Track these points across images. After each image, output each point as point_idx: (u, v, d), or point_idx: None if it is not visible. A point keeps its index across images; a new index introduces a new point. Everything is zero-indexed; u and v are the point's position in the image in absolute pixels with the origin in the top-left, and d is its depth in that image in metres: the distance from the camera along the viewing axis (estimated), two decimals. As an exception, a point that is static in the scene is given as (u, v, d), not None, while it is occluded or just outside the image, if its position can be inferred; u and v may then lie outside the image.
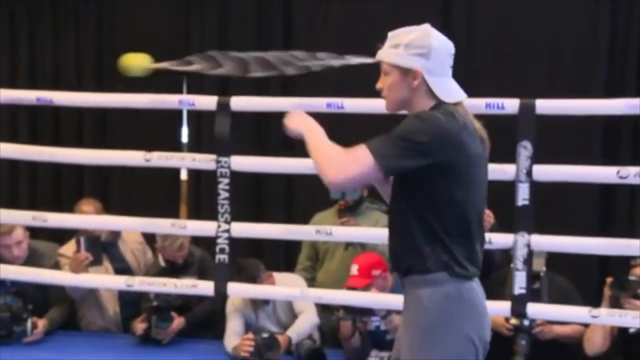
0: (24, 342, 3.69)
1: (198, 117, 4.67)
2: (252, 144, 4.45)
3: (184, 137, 4.82)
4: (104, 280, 3.71)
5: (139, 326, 3.71)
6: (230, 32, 4.73)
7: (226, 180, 3.31)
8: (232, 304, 3.67)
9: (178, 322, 3.71)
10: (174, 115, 4.72)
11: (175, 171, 4.74)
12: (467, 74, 4.36)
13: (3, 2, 5.01)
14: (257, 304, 3.64)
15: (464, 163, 2.06)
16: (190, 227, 3.50)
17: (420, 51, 2.11)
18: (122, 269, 3.91)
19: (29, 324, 3.70)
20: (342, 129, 4.31)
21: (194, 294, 3.51)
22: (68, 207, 4.14)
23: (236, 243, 3.35)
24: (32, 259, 3.81)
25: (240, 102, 3.37)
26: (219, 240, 3.32)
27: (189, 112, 4.73)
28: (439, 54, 2.12)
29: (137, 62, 2.52)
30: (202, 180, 4.61)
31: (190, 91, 4.67)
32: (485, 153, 2.16)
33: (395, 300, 3.27)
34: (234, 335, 3.59)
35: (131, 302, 3.91)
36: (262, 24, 4.68)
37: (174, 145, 4.62)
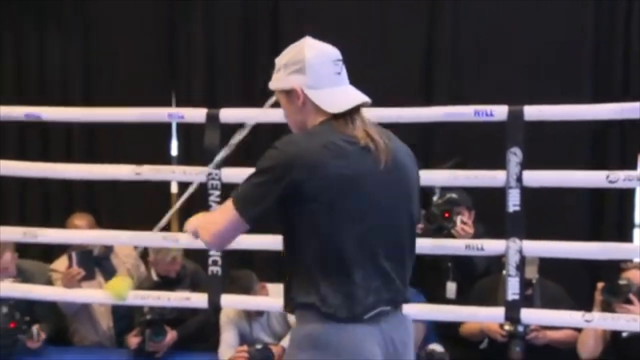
0: (30, 347, 3.69)
1: (187, 130, 4.66)
2: (242, 155, 4.44)
3: (174, 150, 4.81)
4: (97, 295, 3.68)
5: (133, 340, 3.70)
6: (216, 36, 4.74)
7: (217, 192, 3.31)
8: (226, 316, 3.66)
9: (172, 335, 3.70)
10: (163, 129, 4.71)
11: (166, 184, 4.73)
12: (455, 82, 4.40)
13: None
14: (251, 315, 3.63)
15: (329, 188, 1.83)
16: (182, 240, 3.48)
17: (295, 68, 1.98)
18: None
19: (34, 329, 3.69)
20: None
21: (188, 307, 3.49)
22: (58, 222, 4.13)
23: (228, 255, 3.34)
24: (22, 280, 3.77)
25: (229, 114, 3.37)
26: (211, 253, 3.30)
27: (178, 125, 4.72)
28: (315, 65, 1.96)
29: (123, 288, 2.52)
30: (193, 193, 4.59)
31: (179, 104, 4.68)
32: (379, 168, 1.88)
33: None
34: (228, 347, 3.58)
35: (124, 316, 3.90)
36: (248, 26, 4.69)
37: (164, 159, 4.62)
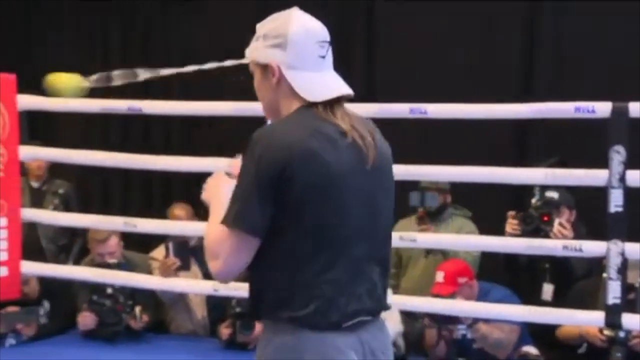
0: (134, 327, 3.84)
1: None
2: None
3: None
4: (192, 285, 3.78)
5: (225, 331, 3.77)
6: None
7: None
8: None
9: (260, 327, 3.74)
10: (259, 122, 4.77)
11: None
12: (555, 76, 4.26)
13: (97, 14, 5.20)
14: None
15: (318, 185, 1.61)
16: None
17: (275, 42, 1.72)
18: (210, 273, 3.97)
19: (137, 310, 3.84)
20: (426, 135, 4.39)
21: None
22: (157, 212, 4.26)
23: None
24: (126, 268, 3.90)
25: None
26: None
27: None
28: (298, 43, 1.70)
29: (67, 82, 2.33)
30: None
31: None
32: (366, 167, 1.67)
33: (482, 309, 3.22)
34: None
35: (218, 305, 3.97)
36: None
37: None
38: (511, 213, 3.34)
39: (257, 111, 3.57)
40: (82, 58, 5.09)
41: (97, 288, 3.80)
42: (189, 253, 3.93)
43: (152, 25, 5.20)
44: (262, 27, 1.77)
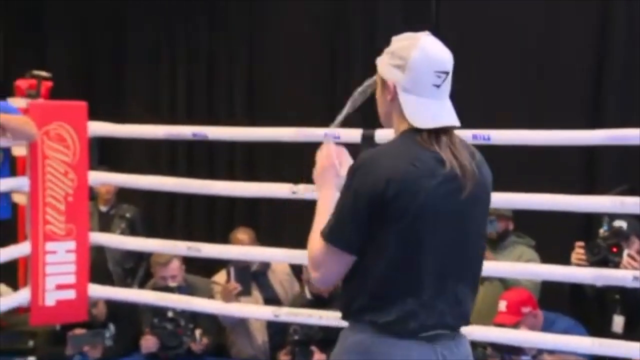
0: (195, 350, 3.89)
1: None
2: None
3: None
4: (252, 310, 3.80)
5: (283, 358, 3.77)
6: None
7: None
8: None
9: (320, 357, 3.72)
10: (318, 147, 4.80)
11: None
12: (626, 101, 4.15)
13: (163, 42, 5.34)
14: None
15: (414, 209, 1.72)
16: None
17: (397, 62, 1.81)
18: (271, 298, 4.00)
19: (197, 333, 3.89)
20: (489, 161, 4.33)
21: (339, 327, 3.50)
22: (221, 237, 4.31)
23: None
24: (187, 292, 3.96)
25: (384, 134, 3.37)
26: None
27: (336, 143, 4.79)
28: (416, 69, 1.78)
29: None
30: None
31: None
32: (462, 194, 1.75)
33: (547, 339, 3.14)
34: None
35: (279, 331, 3.98)
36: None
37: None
38: (579, 243, 3.26)
39: (318, 137, 3.66)
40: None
41: (159, 311, 3.86)
42: (251, 278, 3.96)
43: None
44: (393, 43, 1.87)
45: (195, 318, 3.93)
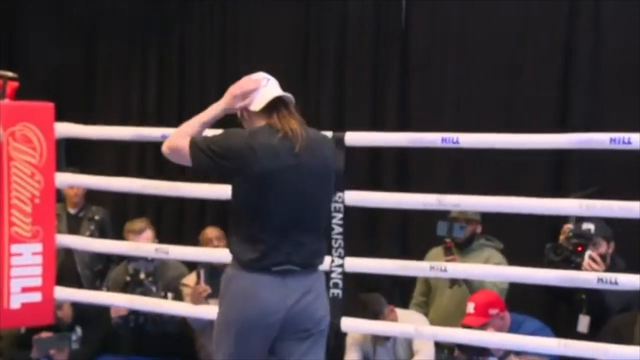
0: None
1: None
2: (365, 179, 4.46)
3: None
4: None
5: None
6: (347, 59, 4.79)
7: (340, 215, 3.31)
8: (351, 337, 3.64)
9: None
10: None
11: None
12: (592, 107, 4.20)
13: (135, 43, 5.30)
14: (378, 339, 3.59)
15: (252, 175, 2.34)
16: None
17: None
18: None
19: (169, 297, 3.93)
20: (458, 164, 4.37)
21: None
22: (191, 239, 4.28)
23: (349, 278, 3.34)
24: (160, 266, 3.95)
25: (354, 137, 3.38)
26: (332, 275, 3.31)
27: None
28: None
29: None
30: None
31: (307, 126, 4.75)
32: (300, 160, 2.36)
33: (513, 340, 3.16)
34: None
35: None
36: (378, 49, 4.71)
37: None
38: (548, 245, 3.30)
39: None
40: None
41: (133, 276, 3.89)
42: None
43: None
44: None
45: (168, 285, 3.89)
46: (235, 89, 2.47)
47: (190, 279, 4.06)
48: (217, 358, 2.46)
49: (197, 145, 2.40)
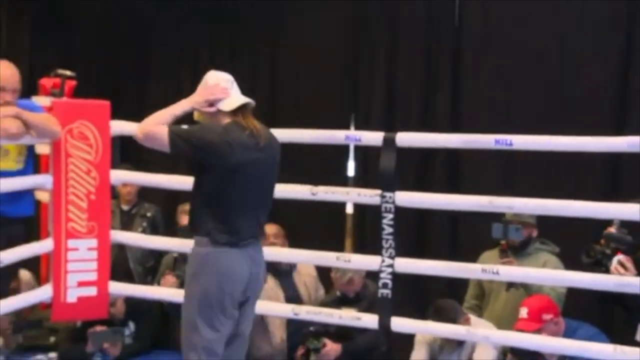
0: None
1: (365, 152, 4.72)
2: (417, 180, 4.43)
3: (351, 171, 4.88)
4: (272, 308, 3.81)
5: (298, 353, 3.76)
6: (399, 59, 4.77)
7: (390, 216, 3.31)
8: (421, 335, 3.59)
9: (333, 347, 3.70)
10: (341, 149, 4.81)
11: (341, 205, 4.80)
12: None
13: (187, 43, 5.37)
14: (447, 342, 3.51)
15: (227, 166, 2.72)
16: (355, 261, 3.52)
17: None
18: (293, 298, 4.00)
19: None
20: (511, 167, 4.31)
21: (358, 326, 3.50)
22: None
23: (399, 278, 3.33)
24: None
25: (406, 138, 3.37)
26: (382, 275, 3.31)
27: (356, 146, 4.80)
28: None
29: None
30: (368, 214, 4.64)
31: (357, 127, 4.75)
32: (262, 154, 2.80)
33: (568, 345, 3.11)
34: None
35: (298, 331, 3.96)
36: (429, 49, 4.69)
37: (342, 179, 4.70)
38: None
39: (338, 139, 3.66)
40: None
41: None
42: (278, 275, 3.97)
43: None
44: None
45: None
46: (207, 94, 2.83)
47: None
48: (195, 336, 2.74)
49: (177, 134, 2.74)
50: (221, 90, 2.83)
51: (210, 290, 2.73)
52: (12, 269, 3.64)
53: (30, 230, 3.73)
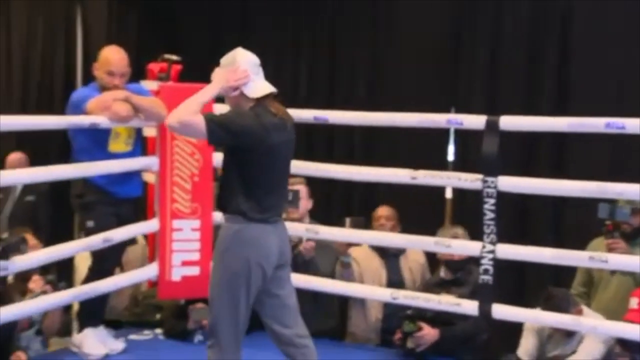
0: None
1: (464, 136, 4.63)
2: (520, 164, 4.32)
3: (450, 156, 4.81)
4: (371, 291, 3.82)
5: (396, 337, 3.74)
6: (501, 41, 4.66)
7: (492, 201, 3.25)
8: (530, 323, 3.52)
9: (430, 332, 3.64)
10: (441, 133, 4.74)
11: (441, 189, 4.74)
12: None
13: (287, 27, 5.42)
14: (557, 331, 3.40)
15: (263, 148, 2.80)
16: (455, 246, 3.48)
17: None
18: (396, 282, 3.99)
19: None
20: (622, 150, 4.13)
21: (458, 312, 3.45)
22: (338, 220, 4.34)
23: (500, 264, 3.27)
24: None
25: (509, 122, 3.29)
26: (483, 261, 3.26)
27: (456, 130, 4.72)
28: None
29: None
30: (467, 199, 4.56)
31: (458, 110, 4.67)
32: (288, 136, 2.89)
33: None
34: (525, 353, 3.45)
35: (394, 314, 3.94)
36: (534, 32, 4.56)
37: (440, 163, 4.63)
38: None
39: (440, 123, 3.61)
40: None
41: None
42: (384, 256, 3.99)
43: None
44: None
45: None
46: (230, 80, 2.83)
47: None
48: (225, 308, 2.82)
49: (214, 122, 2.76)
50: (247, 75, 2.84)
51: (241, 263, 2.79)
52: (122, 247, 3.80)
53: (138, 210, 3.88)
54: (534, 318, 3.35)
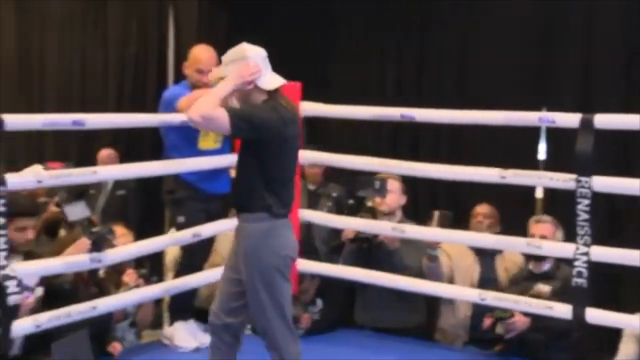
0: None
1: (557, 135, 4.50)
2: (618, 164, 4.17)
3: (542, 155, 4.69)
4: (459, 291, 3.79)
5: (486, 324, 3.65)
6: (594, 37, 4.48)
7: (586, 201, 3.14)
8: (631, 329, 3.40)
9: (522, 319, 3.52)
10: (530, 132, 4.63)
11: (531, 189, 4.63)
12: None
13: (373, 25, 5.40)
14: None
15: (281, 141, 2.84)
16: (546, 247, 3.39)
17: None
18: (489, 279, 3.92)
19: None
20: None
21: (549, 315, 3.35)
22: (423, 219, 4.29)
23: (595, 267, 3.16)
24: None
25: (605, 120, 3.17)
26: (576, 263, 3.16)
27: (548, 129, 4.59)
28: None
29: None
30: (558, 199, 4.43)
31: (550, 109, 4.54)
32: (298, 128, 2.95)
33: None
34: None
35: (483, 313, 3.86)
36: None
37: (530, 162, 4.52)
38: None
39: (531, 121, 3.52)
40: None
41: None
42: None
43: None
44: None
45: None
46: (245, 75, 2.84)
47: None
48: (275, 305, 2.83)
49: (237, 116, 2.79)
50: (259, 69, 2.86)
51: (279, 259, 2.84)
52: (211, 242, 3.88)
53: (227, 206, 3.94)
54: (632, 324, 3.23)
